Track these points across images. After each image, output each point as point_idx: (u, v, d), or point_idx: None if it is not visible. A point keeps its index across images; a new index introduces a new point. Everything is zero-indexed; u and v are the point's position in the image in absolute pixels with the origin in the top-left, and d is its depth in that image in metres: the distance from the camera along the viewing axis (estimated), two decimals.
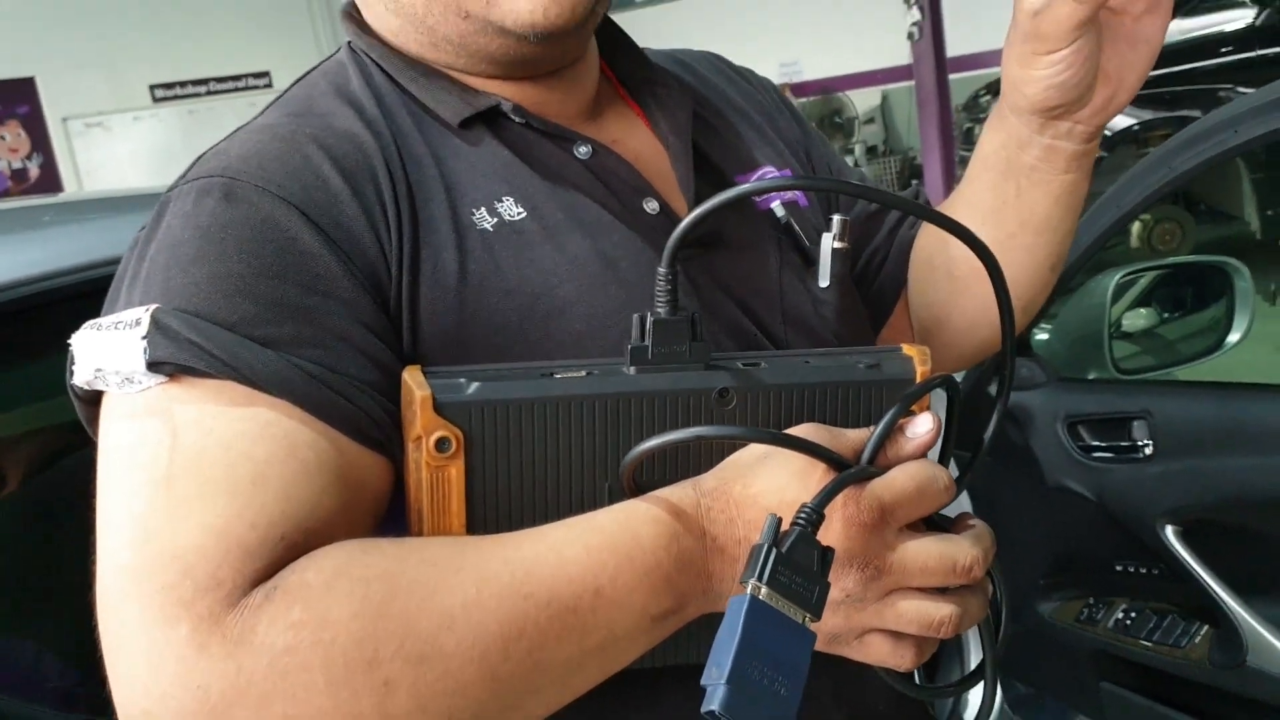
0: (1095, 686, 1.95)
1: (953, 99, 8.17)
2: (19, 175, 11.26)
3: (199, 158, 0.77)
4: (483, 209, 0.77)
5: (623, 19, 0.94)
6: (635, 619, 0.63)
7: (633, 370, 0.69)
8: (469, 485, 0.67)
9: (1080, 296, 2.12)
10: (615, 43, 0.93)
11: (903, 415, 0.67)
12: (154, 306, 0.65)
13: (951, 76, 8.06)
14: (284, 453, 0.63)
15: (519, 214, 0.78)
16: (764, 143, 0.96)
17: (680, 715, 0.66)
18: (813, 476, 0.64)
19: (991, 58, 9.52)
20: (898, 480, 0.65)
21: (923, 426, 0.68)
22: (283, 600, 0.57)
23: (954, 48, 8.11)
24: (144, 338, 0.64)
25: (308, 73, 0.87)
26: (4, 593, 1.58)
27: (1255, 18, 6.30)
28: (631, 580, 0.62)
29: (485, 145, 0.81)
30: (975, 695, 1.65)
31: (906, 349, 0.75)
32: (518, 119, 0.81)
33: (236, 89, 12.49)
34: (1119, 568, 1.91)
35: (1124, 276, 2.10)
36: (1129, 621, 1.87)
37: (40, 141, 11.37)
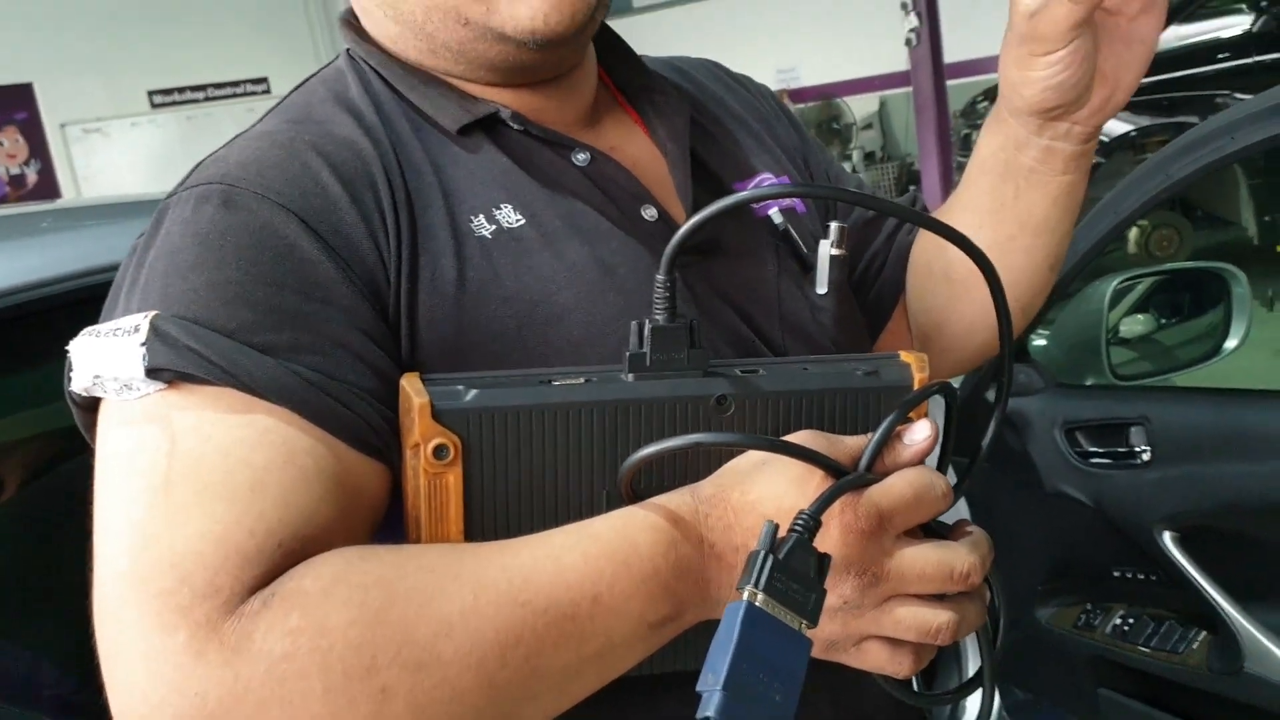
0: (1093, 692, 1.95)
1: (950, 105, 8.18)
2: (17, 181, 11.25)
3: (198, 165, 0.77)
4: (481, 216, 0.77)
5: (621, 24, 0.94)
6: (633, 626, 0.63)
7: (631, 377, 0.69)
8: (467, 492, 0.67)
9: (1078, 302, 2.12)
10: (613, 50, 0.93)
11: (900, 422, 0.67)
12: (153, 313, 0.65)
13: (949, 82, 8.07)
14: (282, 459, 0.63)
15: (517, 221, 0.78)
16: (762, 149, 0.96)
17: None
18: (810, 483, 0.64)
19: (989, 64, 9.50)
20: (895, 487, 0.65)
21: (920, 433, 0.68)
22: (280, 607, 0.57)
23: (951, 54, 8.12)
24: (143, 344, 0.64)
25: (306, 80, 0.87)
26: (1, 599, 1.58)
27: (1252, 24, 6.30)
28: (629, 587, 0.62)
29: (484, 152, 0.81)
30: (973, 702, 1.65)
31: (904, 356, 0.75)
32: (516, 126, 0.81)
33: (235, 95, 12.50)
34: (1117, 574, 1.91)
35: (1121, 282, 2.10)
36: (1127, 627, 1.87)
37: (38, 147, 11.37)
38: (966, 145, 7.69)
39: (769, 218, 0.91)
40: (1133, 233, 6.12)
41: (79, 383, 0.66)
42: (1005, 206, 0.89)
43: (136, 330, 0.64)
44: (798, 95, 11.23)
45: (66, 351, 0.68)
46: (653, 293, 0.69)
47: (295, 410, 0.64)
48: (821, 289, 0.88)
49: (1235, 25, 6.35)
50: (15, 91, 11.12)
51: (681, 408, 0.69)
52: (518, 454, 0.67)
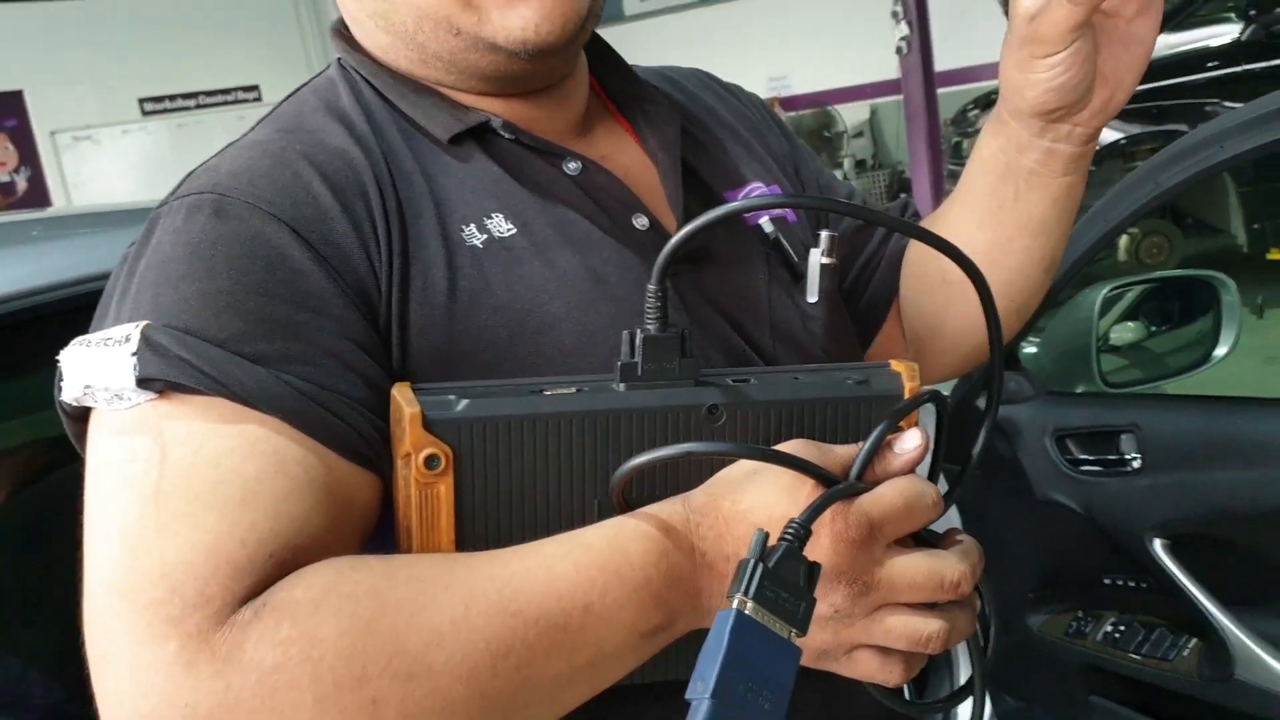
0: (1084, 700, 1.95)
1: (941, 113, 8.20)
2: (6, 189, 11.24)
3: (189, 174, 0.77)
4: (472, 225, 0.77)
5: (613, 32, 0.94)
6: (624, 635, 0.63)
7: (622, 387, 0.69)
8: (458, 502, 0.67)
9: (1068, 310, 2.13)
10: (604, 59, 0.93)
11: (891, 431, 0.68)
12: (144, 323, 0.65)
13: (940, 91, 8.09)
14: (273, 469, 0.63)
15: (509, 230, 0.78)
16: (752, 159, 0.97)
17: None
18: (801, 492, 0.64)
19: (979, 72, 9.58)
20: (886, 496, 0.65)
21: (910, 442, 0.68)
22: (271, 617, 0.57)
23: (942, 62, 8.14)
24: (134, 354, 0.63)
25: (298, 89, 0.87)
26: None
27: (1241, 33, 6.33)
28: (621, 597, 0.62)
29: (475, 161, 0.81)
30: (964, 710, 1.65)
31: (894, 365, 0.75)
32: (507, 135, 0.81)
33: (226, 102, 12.50)
34: (1108, 581, 1.92)
35: (1111, 290, 2.11)
36: (1118, 635, 1.88)
37: (28, 155, 11.36)
38: (957, 153, 7.71)
39: (760, 226, 0.91)
40: (1123, 240, 6.14)
41: (69, 392, 0.66)
42: (1005, 208, 0.89)
43: (127, 340, 0.64)
44: (789, 103, 11.26)
45: (57, 361, 0.68)
46: (644, 302, 0.69)
47: (286, 420, 0.64)
48: (812, 297, 0.89)
49: (1224, 34, 6.38)
50: (5, 99, 11.12)
51: (673, 417, 0.69)
52: (509, 464, 0.67)
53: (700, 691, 0.55)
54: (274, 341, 0.66)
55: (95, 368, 0.64)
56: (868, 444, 0.66)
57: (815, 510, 0.61)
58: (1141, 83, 0.83)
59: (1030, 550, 2.00)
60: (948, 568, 0.66)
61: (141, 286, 0.68)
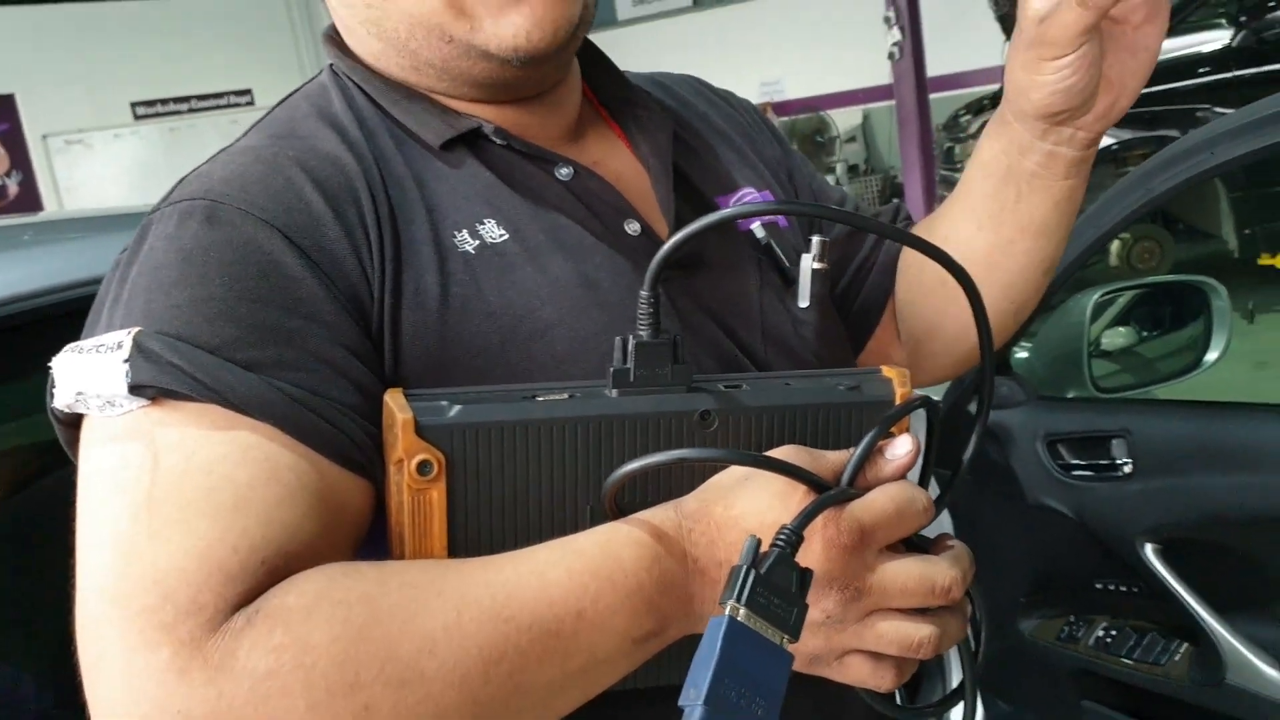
0: (1076, 704, 1.95)
1: (933, 118, 8.22)
2: None
3: (181, 180, 0.77)
4: (464, 231, 0.77)
5: (605, 37, 0.95)
6: (617, 641, 0.63)
7: (615, 393, 0.69)
8: (450, 508, 0.67)
9: (1059, 315, 2.13)
10: (596, 65, 0.93)
11: (882, 437, 0.68)
12: (136, 329, 0.65)
13: (932, 96, 8.11)
14: (266, 476, 0.63)
15: (501, 236, 0.78)
16: (744, 164, 0.97)
17: None
18: (793, 498, 0.64)
19: (971, 77, 9.60)
20: (877, 502, 0.65)
21: (902, 448, 0.68)
22: (264, 624, 0.57)
23: (934, 68, 8.16)
24: (126, 361, 0.63)
25: (290, 95, 0.87)
26: None
27: (1232, 39, 6.35)
28: (613, 603, 0.62)
29: (467, 167, 0.81)
30: (956, 715, 1.66)
31: (886, 371, 0.75)
32: (499, 141, 0.81)
33: (218, 106, 12.49)
34: (1099, 586, 1.92)
35: (1102, 295, 2.11)
36: (1109, 639, 1.88)
37: (20, 159, 11.34)
38: (949, 158, 7.73)
39: (751, 232, 0.91)
40: (1114, 245, 6.15)
41: (62, 399, 0.66)
42: (1006, 210, 0.89)
43: (120, 347, 0.64)
44: (782, 108, 11.27)
45: (48, 366, 0.68)
46: (636, 308, 0.69)
47: (279, 426, 0.64)
48: (804, 302, 0.89)
49: (1215, 40, 6.40)
50: None
51: (665, 423, 0.69)
52: (501, 469, 0.67)
53: (693, 698, 0.55)
54: (266, 348, 0.66)
55: (87, 374, 0.64)
56: (859, 450, 0.67)
57: (807, 516, 0.61)
58: None
59: (1022, 555, 2.00)
60: (939, 573, 0.66)
61: (134, 293, 0.68)
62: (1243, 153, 1.62)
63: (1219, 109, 5.99)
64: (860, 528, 0.64)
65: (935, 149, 8.15)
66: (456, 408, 0.67)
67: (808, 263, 0.88)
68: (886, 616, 0.66)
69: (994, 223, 0.90)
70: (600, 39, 0.93)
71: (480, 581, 0.61)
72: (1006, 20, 7.33)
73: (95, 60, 11.49)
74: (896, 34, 7.64)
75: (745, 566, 0.59)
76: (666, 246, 0.68)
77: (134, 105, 12.10)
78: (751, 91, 11.20)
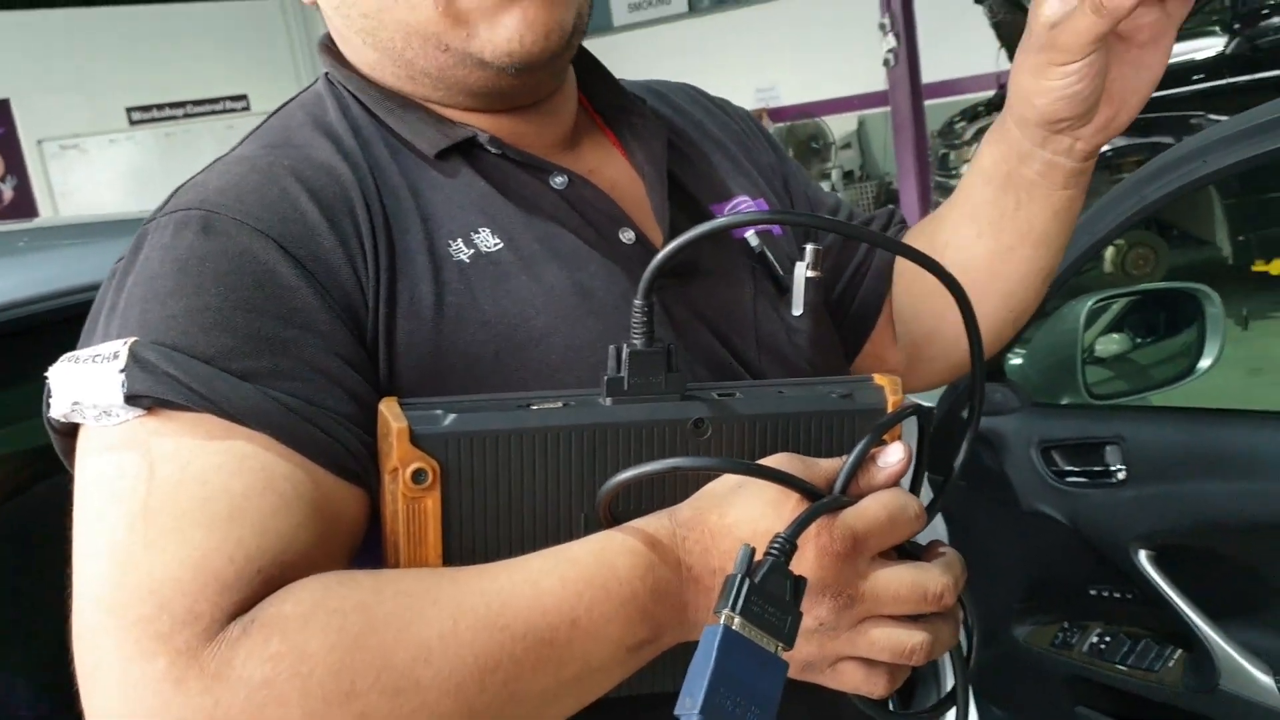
0: (1070, 710, 1.95)
1: (928, 125, 8.24)
2: None
3: (177, 189, 0.77)
4: (459, 240, 0.78)
5: (601, 43, 0.95)
6: (611, 650, 0.63)
7: (609, 401, 0.69)
8: (445, 516, 0.67)
9: (1053, 322, 2.14)
10: (591, 72, 0.94)
11: (875, 444, 0.68)
12: (132, 340, 0.65)
13: (927, 102, 8.13)
14: (261, 485, 0.63)
15: (495, 245, 0.78)
16: (738, 173, 0.97)
17: None
18: (786, 506, 0.64)
19: (966, 84, 9.62)
20: (869, 509, 0.65)
21: (894, 456, 0.68)
22: (260, 633, 0.57)
23: (929, 74, 8.19)
24: (122, 371, 0.64)
25: (285, 104, 0.87)
26: None
27: (1225, 46, 6.37)
28: (608, 611, 0.62)
29: (462, 176, 0.81)
30: None
31: (878, 379, 0.75)
32: (494, 150, 0.81)
33: (214, 112, 12.49)
34: (1093, 592, 1.92)
35: (1096, 302, 2.12)
36: (1103, 646, 1.88)
37: (15, 164, 11.33)
38: (944, 164, 7.74)
39: (745, 240, 0.91)
40: (1109, 252, 6.17)
41: (58, 409, 0.66)
42: (1006, 217, 0.90)
43: (116, 357, 0.64)
44: (777, 114, 11.30)
45: (44, 374, 0.68)
46: (630, 316, 0.69)
47: (274, 436, 0.64)
48: (797, 310, 0.89)
49: (1209, 47, 6.42)
50: None
51: (659, 431, 0.69)
52: (496, 478, 0.68)
53: (689, 708, 0.56)
54: (261, 358, 0.66)
55: (83, 384, 0.65)
56: (851, 458, 0.67)
57: (800, 525, 0.62)
58: None
59: (1016, 561, 2.00)
60: (931, 580, 0.66)
61: (129, 303, 0.69)
62: (1235, 161, 1.63)
63: (1213, 116, 6.01)
64: (853, 535, 0.64)
65: (930, 155, 8.17)
66: (451, 416, 0.67)
67: (801, 271, 0.89)
68: (879, 624, 0.66)
69: (994, 229, 0.91)
70: (595, 45, 0.93)
71: (475, 590, 0.62)
72: (1001, 27, 7.34)
73: (91, 65, 11.48)
74: (892, 40, 7.67)
75: (739, 575, 0.59)
76: (659, 256, 0.68)
77: (129, 110, 12.10)
78: (747, 97, 11.22)
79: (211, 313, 0.67)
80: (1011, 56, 0.85)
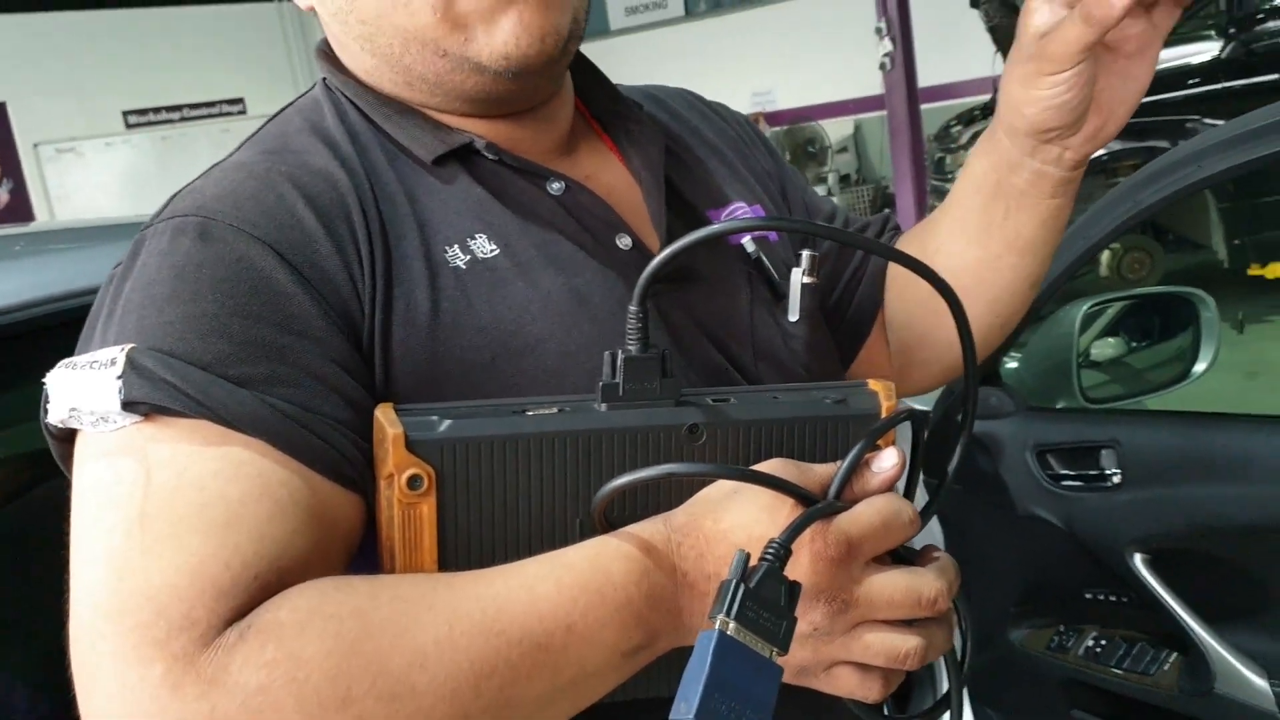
0: (1066, 714, 1.95)
1: (924, 129, 8.25)
2: None
3: (174, 195, 0.77)
4: (456, 246, 0.78)
5: (598, 47, 0.95)
6: (606, 655, 0.63)
7: (604, 407, 0.69)
8: (441, 522, 0.68)
9: (1049, 326, 2.14)
10: (588, 77, 0.94)
11: (869, 450, 0.68)
12: (129, 346, 0.65)
13: (923, 106, 8.14)
14: (258, 492, 0.63)
15: (492, 251, 0.78)
16: (735, 178, 0.97)
17: None
18: (781, 512, 0.64)
19: (962, 88, 9.63)
20: (863, 515, 0.66)
21: (888, 461, 0.69)
22: (256, 639, 0.57)
23: (925, 78, 8.19)
24: (119, 377, 0.64)
25: (283, 109, 0.88)
26: None
27: (1221, 51, 6.38)
28: (603, 616, 0.63)
29: (459, 183, 0.81)
30: None
31: (872, 384, 0.76)
32: (491, 156, 0.82)
33: (210, 115, 12.48)
34: (1089, 595, 1.92)
35: (1092, 307, 2.12)
36: (1099, 649, 1.88)
37: (11, 167, 11.31)
38: (940, 168, 7.75)
39: (742, 246, 0.92)
40: (1105, 256, 6.18)
41: (55, 414, 0.66)
42: (995, 225, 0.91)
43: (113, 363, 0.65)
44: (773, 118, 11.31)
45: (41, 378, 0.68)
46: (626, 322, 0.69)
47: (270, 442, 0.65)
48: (794, 316, 0.89)
49: (1205, 51, 6.43)
50: None
51: (654, 437, 0.70)
52: (491, 484, 0.68)
53: (684, 713, 0.56)
54: (258, 364, 0.66)
55: (81, 390, 0.65)
56: (845, 463, 0.67)
57: (795, 530, 0.62)
58: None
59: (1012, 565, 2.00)
60: (925, 585, 0.66)
61: (127, 309, 0.69)
62: (1229, 166, 1.63)
63: (1209, 120, 6.01)
64: (847, 541, 0.64)
65: (926, 159, 8.18)
66: (446, 422, 0.67)
67: (798, 277, 0.89)
68: (873, 628, 0.66)
69: (982, 238, 0.92)
70: (592, 49, 0.93)
71: (471, 595, 0.62)
72: (997, 31, 7.36)
73: (87, 68, 11.47)
74: (888, 45, 7.68)
75: (734, 581, 0.59)
76: (654, 263, 0.68)
77: (126, 114, 12.09)
78: (743, 101, 11.23)
79: (208, 319, 0.67)
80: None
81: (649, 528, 0.66)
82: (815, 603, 0.64)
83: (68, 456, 0.68)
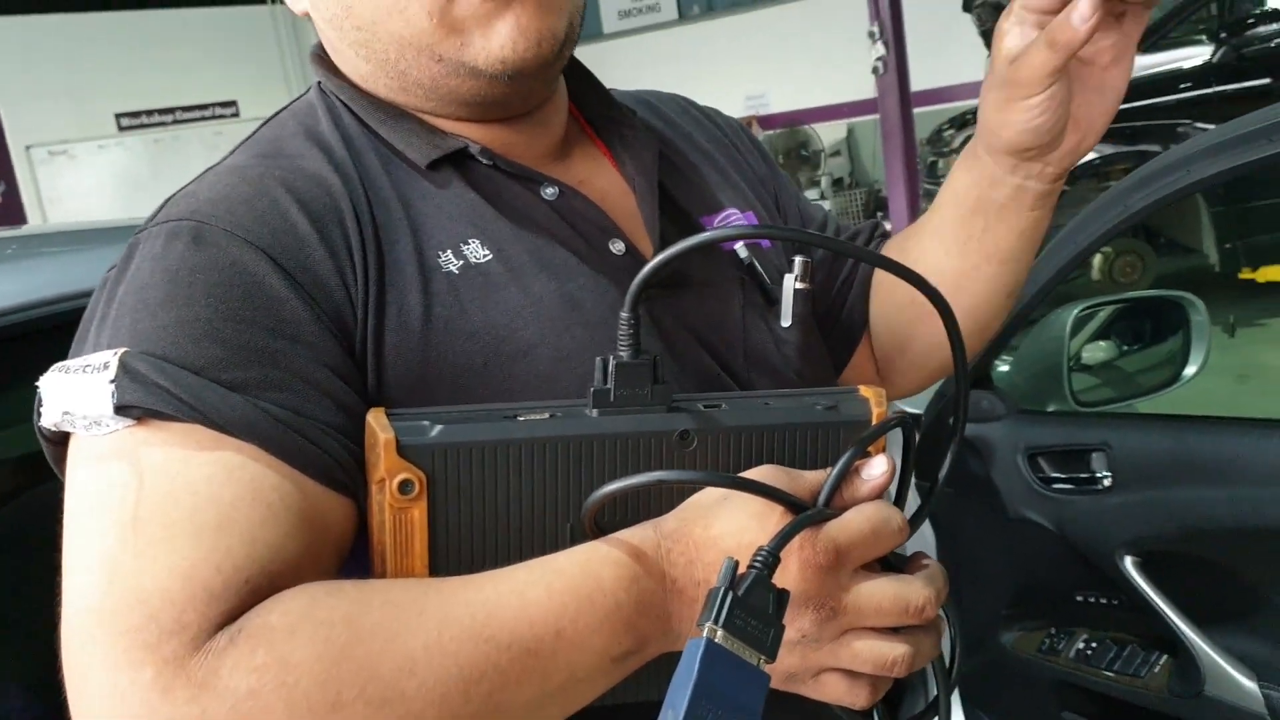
0: (1057, 716, 1.96)
1: (917, 132, 8.26)
2: None
3: (168, 199, 0.77)
4: (449, 251, 0.78)
5: (592, 50, 0.95)
6: (596, 660, 0.63)
7: (595, 413, 0.69)
8: (432, 527, 0.68)
9: (1039, 330, 2.15)
10: (582, 82, 0.94)
11: (859, 457, 0.69)
12: (122, 350, 0.66)
13: (915, 110, 8.15)
14: (250, 496, 0.63)
15: (484, 256, 0.79)
16: (728, 185, 0.98)
17: None
18: (771, 519, 0.65)
19: (955, 92, 9.65)
20: (853, 522, 0.66)
21: (878, 468, 0.69)
22: (247, 644, 0.58)
23: (918, 82, 8.20)
24: (112, 381, 0.64)
25: (278, 113, 0.88)
26: None
27: (1212, 55, 6.40)
28: (592, 622, 0.63)
29: (452, 187, 0.81)
30: None
31: (863, 390, 0.76)
32: (485, 161, 0.82)
33: (203, 118, 12.47)
34: (1080, 598, 1.93)
35: (1082, 310, 2.13)
36: (1090, 651, 1.89)
37: (3, 170, 11.27)
38: (932, 172, 7.76)
39: (734, 252, 0.92)
40: (1096, 259, 6.19)
41: (48, 418, 0.67)
42: (974, 238, 0.91)
43: (106, 367, 0.65)
44: (766, 121, 11.31)
45: (34, 381, 0.69)
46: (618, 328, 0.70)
47: (263, 447, 0.65)
48: (786, 321, 0.90)
49: (1196, 56, 6.45)
50: None
51: (645, 442, 0.70)
52: (482, 489, 0.68)
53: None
54: (251, 368, 0.67)
55: (74, 394, 0.65)
56: (835, 470, 0.67)
57: (784, 537, 0.62)
58: None
59: (1003, 567, 2.00)
60: (913, 593, 0.67)
61: (120, 313, 0.69)
62: (1218, 171, 1.64)
63: (1200, 124, 6.04)
64: (836, 548, 0.64)
65: (919, 163, 8.19)
66: (438, 427, 0.67)
67: (790, 282, 0.89)
68: (861, 635, 0.66)
69: (961, 249, 0.93)
70: (585, 52, 0.93)
71: (461, 601, 0.62)
72: (989, 35, 7.36)
73: (79, 71, 11.46)
74: (881, 49, 7.69)
75: (723, 589, 0.59)
76: (646, 270, 0.68)
77: (118, 116, 12.07)
78: (736, 105, 11.24)
79: (201, 324, 0.67)
80: None
81: (639, 533, 0.66)
82: (804, 610, 0.65)
83: (61, 459, 0.69)
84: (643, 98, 1.03)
